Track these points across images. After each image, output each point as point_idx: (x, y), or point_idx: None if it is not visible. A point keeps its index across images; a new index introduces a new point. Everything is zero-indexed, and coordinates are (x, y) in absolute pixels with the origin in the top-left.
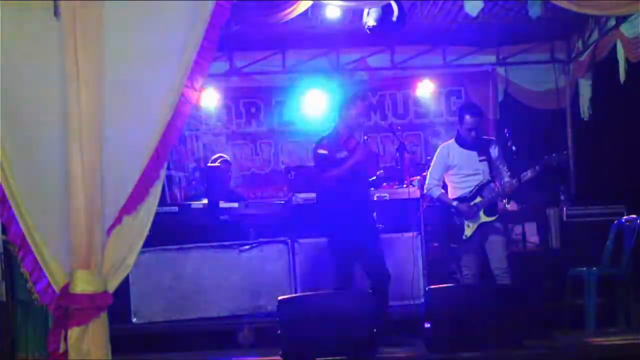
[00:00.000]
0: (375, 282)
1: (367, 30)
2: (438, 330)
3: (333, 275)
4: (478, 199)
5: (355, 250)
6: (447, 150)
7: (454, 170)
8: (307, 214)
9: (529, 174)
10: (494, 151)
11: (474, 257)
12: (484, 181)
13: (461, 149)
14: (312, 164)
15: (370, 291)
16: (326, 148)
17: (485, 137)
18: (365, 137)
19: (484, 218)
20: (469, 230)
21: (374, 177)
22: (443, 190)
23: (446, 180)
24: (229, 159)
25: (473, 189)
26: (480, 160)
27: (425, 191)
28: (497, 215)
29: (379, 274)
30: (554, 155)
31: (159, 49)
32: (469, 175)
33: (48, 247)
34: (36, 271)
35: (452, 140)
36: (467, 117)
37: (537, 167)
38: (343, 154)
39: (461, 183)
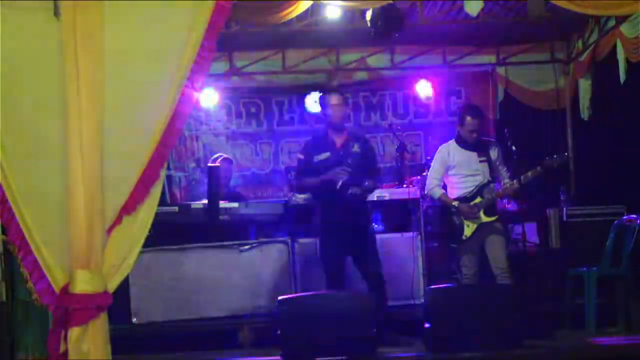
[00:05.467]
0: (371, 284)
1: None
2: (438, 330)
3: (323, 277)
4: (478, 199)
5: (346, 253)
6: (447, 150)
7: (454, 171)
8: (307, 214)
9: (529, 175)
10: (494, 152)
11: (474, 257)
12: (484, 181)
13: (461, 150)
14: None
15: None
16: (303, 152)
17: (485, 138)
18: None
19: (483, 218)
20: (468, 230)
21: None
22: (444, 191)
23: (446, 181)
24: (230, 157)
25: (473, 189)
26: (481, 161)
27: (426, 192)
28: (497, 216)
29: (373, 275)
30: (555, 156)
31: (159, 49)
32: (468, 175)
33: (48, 247)
34: (36, 271)
35: (452, 141)
36: (468, 119)
37: (538, 169)
38: (323, 155)
39: (461, 183)
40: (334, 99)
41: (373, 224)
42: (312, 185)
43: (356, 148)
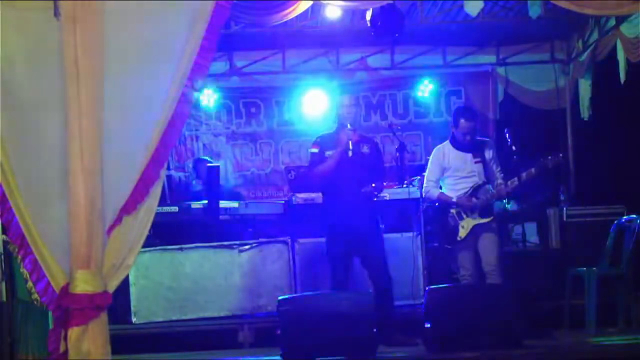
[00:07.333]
0: (378, 285)
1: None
2: (438, 330)
3: (329, 277)
4: (473, 201)
5: (353, 252)
6: (442, 151)
7: (450, 172)
8: (307, 214)
9: (524, 176)
10: (489, 153)
11: (470, 258)
12: (479, 182)
13: (456, 151)
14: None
15: (374, 293)
16: (318, 146)
17: (480, 138)
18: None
19: (478, 219)
20: (463, 231)
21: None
22: (441, 190)
23: (441, 182)
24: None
25: (468, 191)
26: (475, 162)
27: (423, 194)
28: (491, 217)
29: (381, 277)
30: (549, 157)
31: (159, 49)
32: (464, 177)
33: (48, 247)
34: (36, 271)
35: (447, 142)
36: (462, 122)
37: (532, 170)
38: (333, 152)
39: (456, 185)
40: (345, 100)
41: (382, 225)
42: (326, 173)
43: (365, 149)
